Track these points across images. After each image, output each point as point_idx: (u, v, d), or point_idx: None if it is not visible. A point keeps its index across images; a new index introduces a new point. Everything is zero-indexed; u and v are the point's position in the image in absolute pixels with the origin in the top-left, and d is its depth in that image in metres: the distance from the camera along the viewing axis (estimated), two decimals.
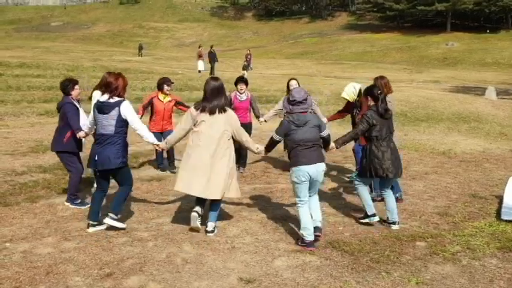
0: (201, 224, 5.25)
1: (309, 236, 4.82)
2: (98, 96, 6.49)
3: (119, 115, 5.04)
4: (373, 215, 5.49)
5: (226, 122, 5.14)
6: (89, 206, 5.64)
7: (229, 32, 72.03)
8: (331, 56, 48.60)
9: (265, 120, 8.39)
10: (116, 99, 5.09)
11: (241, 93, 8.05)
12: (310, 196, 5.10)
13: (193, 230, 5.20)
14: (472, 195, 6.92)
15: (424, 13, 58.93)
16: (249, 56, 29.68)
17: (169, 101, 7.95)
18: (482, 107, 15.60)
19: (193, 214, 5.15)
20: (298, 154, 4.88)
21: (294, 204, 5.36)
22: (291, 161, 5.00)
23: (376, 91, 5.43)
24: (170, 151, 7.88)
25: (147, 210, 6.03)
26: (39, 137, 11.23)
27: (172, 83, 8.06)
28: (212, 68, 27.37)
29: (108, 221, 5.15)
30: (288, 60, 44.24)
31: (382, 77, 6.61)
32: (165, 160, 8.22)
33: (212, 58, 27.90)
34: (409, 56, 46.46)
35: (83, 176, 6.43)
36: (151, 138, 5.36)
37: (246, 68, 28.48)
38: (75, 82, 6.30)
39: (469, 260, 4.57)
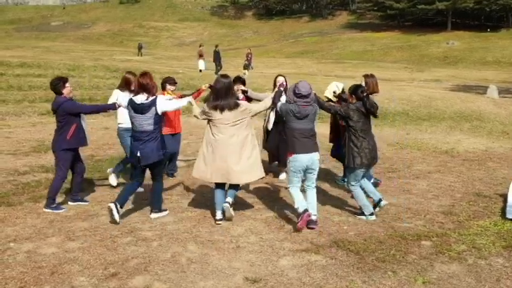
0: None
1: (302, 207, 5.22)
2: (121, 95, 6.50)
3: (156, 113, 5.37)
4: (371, 215, 5.69)
5: (239, 113, 5.41)
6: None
7: (230, 31, 72.00)
8: (332, 55, 48.59)
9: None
10: (151, 98, 5.38)
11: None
12: (308, 187, 5.47)
13: (229, 219, 5.50)
14: (476, 194, 6.90)
15: (424, 12, 58.88)
16: (249, 55, 29.63)
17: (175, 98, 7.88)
18: (484, 106, 15.57)
19: (226, 205, 5.44)
20: (295, 143, 5.24)
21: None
22: (288, 149, 5.35)
23: (360, 91, 5.65)
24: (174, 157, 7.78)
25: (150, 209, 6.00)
26: (41, 136, 11.21)
27: (176, 82, 7.99)
28: (217, 67, 27.30)
29: (154, 216, 5.62)
30: (288, 59, 44.21)
31: (372, 75, 6.62)
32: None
33: (216, 57, 27.85)
34: (410, 55, 46.43)
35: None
36: (185, 100, 5.74)
37: (246, 67, 28.46)
38: (65, 80, 6.14)
39: (475, 259, 4.56)
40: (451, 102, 15.83)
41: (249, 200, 6.49)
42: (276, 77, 8.18)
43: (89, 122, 13.67)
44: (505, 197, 6.35)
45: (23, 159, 8.77)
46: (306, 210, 5.20)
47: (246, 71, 27.98)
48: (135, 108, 5.39)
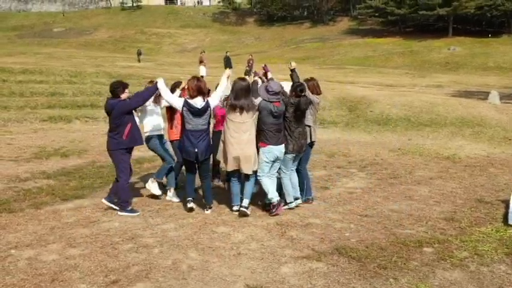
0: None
1: (276, 197, 5.96)
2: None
3: (210, 113, 6.00)
4: (291, 203, 6.30)
5: (252, 114, 5.94)
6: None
7: (231, 38, 72.14)
8: (333, 61, 48.62)
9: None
10: (204, 100, 5.90)
11: None
12: (272, 175, 6.14)
13: (243, 215, 5.93)
14: (478, 200, 6.88)
15: (425, 18, 58.91)
16: (251, 61, 29.65)
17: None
18: (486, 112, 15.54)
19: (243, 210, 5.97)
20: (269, 135, 5.92)
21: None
22: (262, 140, 5.95)
23: (299, 90, 6.14)
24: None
25: (152, 216, 6.01)
26: (43, 143, 11.25)
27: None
28: None
29: (208, 211, 6.12)
30: None
31: (312, 79, 6.91)
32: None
33: (227, 63, 27.85)
34: (411, 61, 46.43)
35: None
36: (224, 79, 6.12)
37: (248, 73, 28.47)
38: (126, 85, 6.17)
39: (477, 266, 4.53)
40: (452, 108, 15.80)
41: (249, 206, 6.46)
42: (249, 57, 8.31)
43: (90, 128, 13.74)
44: (507, 203, 6.33)
45: (24, 166, 8.78)
46: (280, 202, 6.00)
47: (247, 77, 28.02)
48: (194, 112, 5.82)
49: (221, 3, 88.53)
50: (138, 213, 6.06)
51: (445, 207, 6.53)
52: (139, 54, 42.18)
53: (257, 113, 6.02)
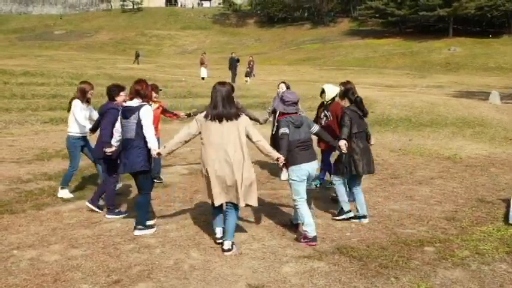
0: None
1: (312, 231, 5.06)
2: (77, 105, 6.61)
3: (139, 120, 5.20)
4: (349, 211, 5.84)
5: (239, 126, 4.81)
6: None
7: (232, 39, 72.24)
8: (334, 62, 48.65)
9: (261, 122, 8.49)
10: (138, 103, 5.29)
11: None
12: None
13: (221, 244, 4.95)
14: (479, 199, 6.89)
15: (426, 18, 58.95)
16: (251, 63, 29.70)
17: (157, 108, 7.96)
18: (487, 112, 15.56)
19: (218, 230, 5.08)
20: (298, 153, 5.13)
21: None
22: (290, 161, 5.13)
23: (351, 94, 5.85)
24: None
25: (154, 216, 6.01)
26: (44, 144, 11.26)
27: (160, 90, 8.05)
28: (233, 75, 27.31)
29: (137, 233, 5.31)
30: (290, 67, 44.32)
31: (349, 82, 6.64)
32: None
33: (232, 64, 27.85)
34: (412, 62, 46.46)
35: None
36: (153, 145, 5.23)
37: (248, 74, 28.52)
38: (122, 88, 6.24)
39: (478, 265, 4.54)
40: (453, 108, 15.83)
41: (251, 206, 6.48)
42: (279, 84, 8.32)
43: None
44: (507, 203, 6.34)
45: (26, 167, 8.80)
46: (315, 238, 5.06)
47: (248, 78, 28.06)
48: (122, 112, 5.34)
49: (221, 5, 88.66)
50: (123, 215, 6.00)
51: (446, 206, 6.54)
52: (137, 56, 42.16)
53: (249, 130, 4.88)
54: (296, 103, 5.30)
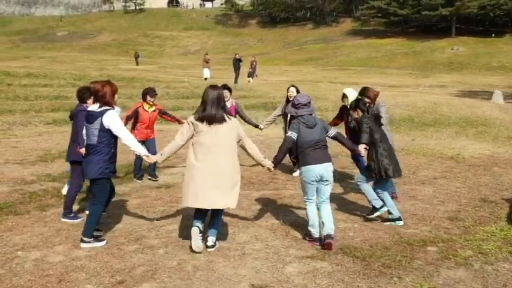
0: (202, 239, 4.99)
1: (316, 233, 5.11)
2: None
3: (102, 126, 4.88)
4: (382, 206, 5.75)
5: (230, 130, 4.87)
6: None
7: (234, 40, 72.30)
8: (336, 62, 48.65)
9: (261, 128, 8.76)
10: (102, 108, 4.95)
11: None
12: (322, 202, 5.22)
13: (194, 250, 4.80)
14: (482, 199, 6.88)
15: (428, 18, 58.89)
16: (254, 63, 29.73)
17: (154, 111, 8.02)
18: (490, 111, 15.55)
19: (195, 229, 4.88)
20: (308, 154, 5.10)
21: (304, 209, 5.47)
22: (300, 162, 5.19)
23: (362, 104, 5.85)
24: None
25: (157, 217, 6.03)
26: (48, 146, 11.30)
27: (156, 94, 8.10)
28: (236, 76, 27.36)
29: (84, 246, 4.94)
30: (292, 67, 44.33)
31: (369, 88, 6.75)
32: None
33: (236, 65, 27.89)
34: (415, 61, 46.43)
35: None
36: (140, 149, 5.11)
37: (251, 75, 28.54)
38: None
39: (481, 265, 4.54)
40: (456, 107, 15.82)
41: (253, 206, 6.51)
42: (289, 88, 8.30)
43: None
44: (511, 202, 6.35)
45: (29, 169, 8.84)
46: (318, 239, 5.09)
47: (251, 78, 28.07)
48: (86, 116, 5.06)
49: (224, 6, 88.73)
50: (77, 220, 5.85)
51: (449, 206, 6.54)
52: (137, 57, 42.10)
53: (236, 134, 4.94)
54: (307, 105, 5.28)
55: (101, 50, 65.60)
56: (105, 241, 5.08)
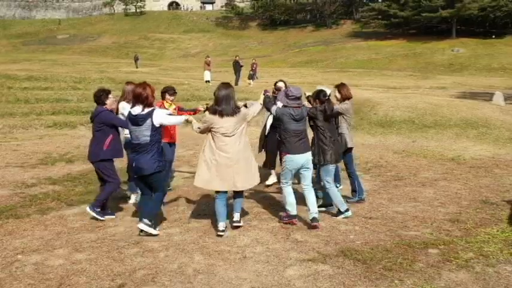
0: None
1: (293, 210, 5.75)
2: (126, 107, 6.59)
3: (152, 125, 5.30)
4: (347, 211, 6.10)
5: (239, 121, 5.47)
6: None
7: (235, 42, 72.37)
8: (337, 64, 48.65)
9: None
10: (147, 110, 5.32)
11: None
12: (306, 187, 5.84)
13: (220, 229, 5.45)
14: (483, 201, 6.86)
15: (428, 19, 58.92)
16: (254, 65, 29.73)
17: (174, 109, 7.91)
18: (490, 113, 15.50)
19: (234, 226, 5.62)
20: (293, 145, 5.65)
21: (301, 211, 5.98)
22: (285, 150, 5.71)
23: (322, 95, 6.08)
24: None
25: (157, 221, 6.01)
26: (48, 149, 11.31)
27: (175, 92, 7.95)
28: (237, 77, 27.35)
29: (141, 226, 5.39)
30: (293, 69, 44.33)
31: (343, 84, 6.99)
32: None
33: (236, 68, 27.89)
34: (415, 63, 46.44)
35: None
36: (183, 117, 5.79)
37: (251, 77, 28.54)
38: (108, 92, 6.27)
39: (482, 267, 4.53)
40: (457, 109, 15.77)
41: (254, 209, 6.50)
42: (276, 82, 8.15)
43: (88, 134, 13.76)
44: None
45: (30, 172, 8.84)
46: (295, 216, 5.76)
47: (251, 80, 28.07)
48: (131, 120, 5.37)
49: (224, 8, 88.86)
50: (102, 219, 5.99)
51: (450, 208, 6.52)
52: (136, 59, 41.94)
53: (245, 124, 5.57)
54: (299, 98, 5.74)
55: (101, 52, 65.66)
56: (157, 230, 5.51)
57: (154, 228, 5.45)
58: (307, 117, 5.90)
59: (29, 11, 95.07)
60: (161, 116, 5.38)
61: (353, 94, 7.12)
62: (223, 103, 5.40)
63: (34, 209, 6.49)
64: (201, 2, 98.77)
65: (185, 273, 4.43)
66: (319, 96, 6.11)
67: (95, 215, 5.99)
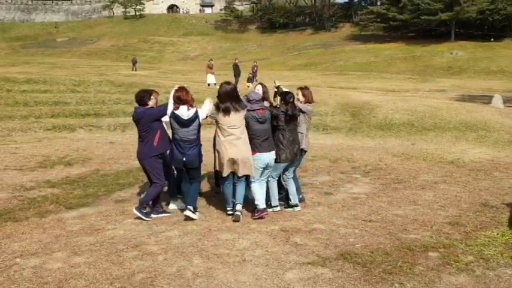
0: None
1: (262, 204, 6.15)
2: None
3: (199, 124, 6.00)
4: (296, 205, 6.55)
5: (241, 117, 5.99)
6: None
7: (234, 45, 72.45)
8: (336, 67, 48.70)
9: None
10: (193, 111, 5.91)
11: None
12: (271, 179, 6.38)
13: (236, 221, 6.00)
14: (483, 204, 6.85)
15: (427, 23, 59.03)
16: (255, 68, 29.77)
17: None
18: (490, 116, 15.51)
19: (238, 214, 6.08)
20: (259, 145, 6.08)
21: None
22: (253, 150, 6.07)
23: (288, 97, 6.31)
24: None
25: (156, 223, 6.00)
26: (47, 152, 11.28)
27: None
28: (237, 80, 27.36)
29: (187, 213, 6.02)
30: (292, 72, 44.34)
31: (306, 87, 7.04)
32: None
33: (235, 71, 27.90)
34: (414, 66, 46.49)
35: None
36: (208, 104, 6.14)
37: (250, 80, 28.56)
38: (151, 92, 6.29)
39: (483, 270, 4.51)
40: (456, 112, 15.79)
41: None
42: (256, 85, 8.13)
43: (94, 137, 13.79)
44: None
45: (28, 175, 8.81)
46: (265, 209, 6.17)
47: (250, 83, 28.09)
48: (181, 123, 5.85)
49: (223, 11, 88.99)
50: (147, 219, 6.08)
51: (449, 211, 6.51)
52: (134, 62, 41.79)
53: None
54: (259, 100, 6.21)
55: (100, 55, 65.69)
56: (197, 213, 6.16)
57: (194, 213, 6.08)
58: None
59: (28, 14, 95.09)
60: (201, 113, 6.00)
61: (352, 97, 7.16)
62: (226, 100, 5.94)
63: (33, 212, 6.46)
64: (201, 5, 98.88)
65: (184, 276, 4.40)
66: (285, 97, 6.32)
67: (140, 215, 6.07)
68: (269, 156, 6.14)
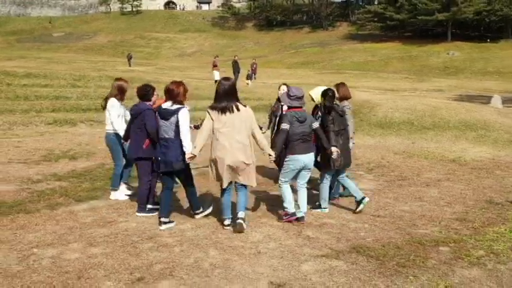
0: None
1: (292, 208, 5.80)
2: (116, 104, 6.64)
3: (178, 121, 5.43)
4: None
5: (244, 118, 5.41)
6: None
7: (231, 42, 72.42)
8: (333, 66, 48.85)
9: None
10: (176, 106, 5.48)
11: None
12: (301, 186, 5.98)
13: (239, 231, 5.43)
14: (488, 201, 6.96)
15: (424, 23, 59.32)
16: (254, 66, 29.86)
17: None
18: (489, 115, 15.64)
19: (240, 222, 5.49)
20: (297, 145, 5.73)
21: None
22: (288, 151, 5.79)
23: (330, 93, 6.22)
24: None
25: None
26: (50, 145, 11.29)
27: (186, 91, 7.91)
28: (235, 78, 27.39)
29: (198, 216, 5.90)
30: (289, 70, 44.44)
31: (343, 84, 7.15)
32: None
33: (235, 68, 27.92)
34: (410, 66, 46.72)
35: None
36: (189, 148, 5.44)
37: (249, 77, 28.63)
38: (154, 88, 6.22)
39: (494, 264, 4.60)
40: (455, 111, 15.91)
41: (262, 207, 6.56)
42: (280, 86, 8.21)
43: (95, 131, 13.79)
44: None
45: (34, 168, 8.84)
46: (294, 214, 5.79)
47: (249, 81, 28.15)
48: (160, 113, 5.52)
49: (220, 8, 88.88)
50: (155, 214, 6.04)
51: (456, 208, 6.61)
52: (129, 58, 41.76)
53: (253, 123, 5.50)
54: (301, 98, 5.81)
55: (97, 51, 65.44)
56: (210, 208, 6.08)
57: (204, 210, 5.99)
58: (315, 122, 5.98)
59: (24, 8, 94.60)
60: (184, 117, 5.44)
61: (351, 95, 7.28)
62: (223, 99, 5.41)
63: (43, 204, 6.49)
64: (197, 2, 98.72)
65: (202, 267, 4.47)
66: (327, 94, 6.24)
67: (145, 214, 6.05)
68: (308, 157, 5.79)
